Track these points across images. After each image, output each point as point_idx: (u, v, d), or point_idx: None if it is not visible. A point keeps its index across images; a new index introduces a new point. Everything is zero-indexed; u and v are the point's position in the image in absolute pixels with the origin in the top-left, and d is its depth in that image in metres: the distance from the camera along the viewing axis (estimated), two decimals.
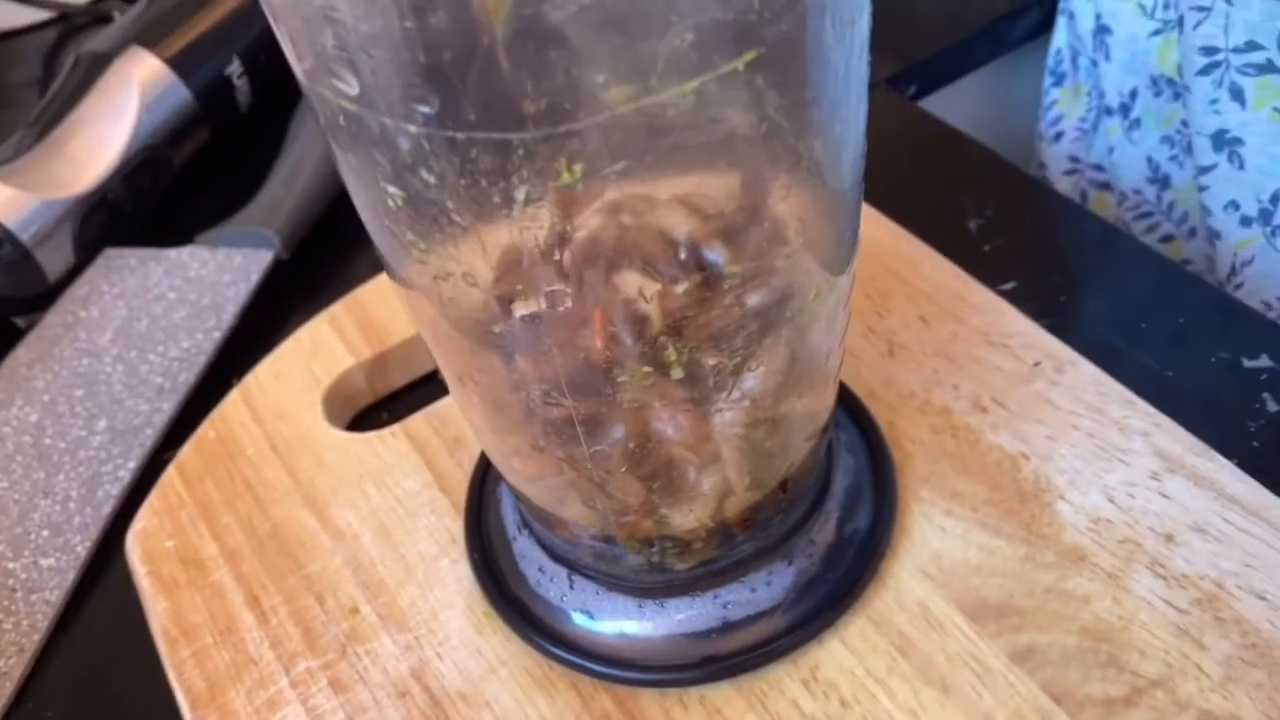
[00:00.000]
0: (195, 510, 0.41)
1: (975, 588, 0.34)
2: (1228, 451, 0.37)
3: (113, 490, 0.44)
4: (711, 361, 0.29)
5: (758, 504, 0.31)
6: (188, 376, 0.48)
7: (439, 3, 0.19)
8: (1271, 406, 0.40)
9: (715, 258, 0.28)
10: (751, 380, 0.30)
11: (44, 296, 0.52)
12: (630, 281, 0.28)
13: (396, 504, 0.39)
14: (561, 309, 0.27)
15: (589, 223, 0.26)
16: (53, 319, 0.51)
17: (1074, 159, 0.62)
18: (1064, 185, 0.62)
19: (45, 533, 0.43)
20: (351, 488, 0.40)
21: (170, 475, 0.42)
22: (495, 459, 0.33)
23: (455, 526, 0.38)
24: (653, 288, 0.28)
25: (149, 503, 0.41)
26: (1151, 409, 0.38)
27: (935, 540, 0.35)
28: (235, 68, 0.59)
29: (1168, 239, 0.59)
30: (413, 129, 0.21)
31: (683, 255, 0.28)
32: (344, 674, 0.35)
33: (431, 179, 0.22)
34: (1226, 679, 0.31)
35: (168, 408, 0.47)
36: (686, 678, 0.33)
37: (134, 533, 0.41)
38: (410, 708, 0.34)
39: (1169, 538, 0.34)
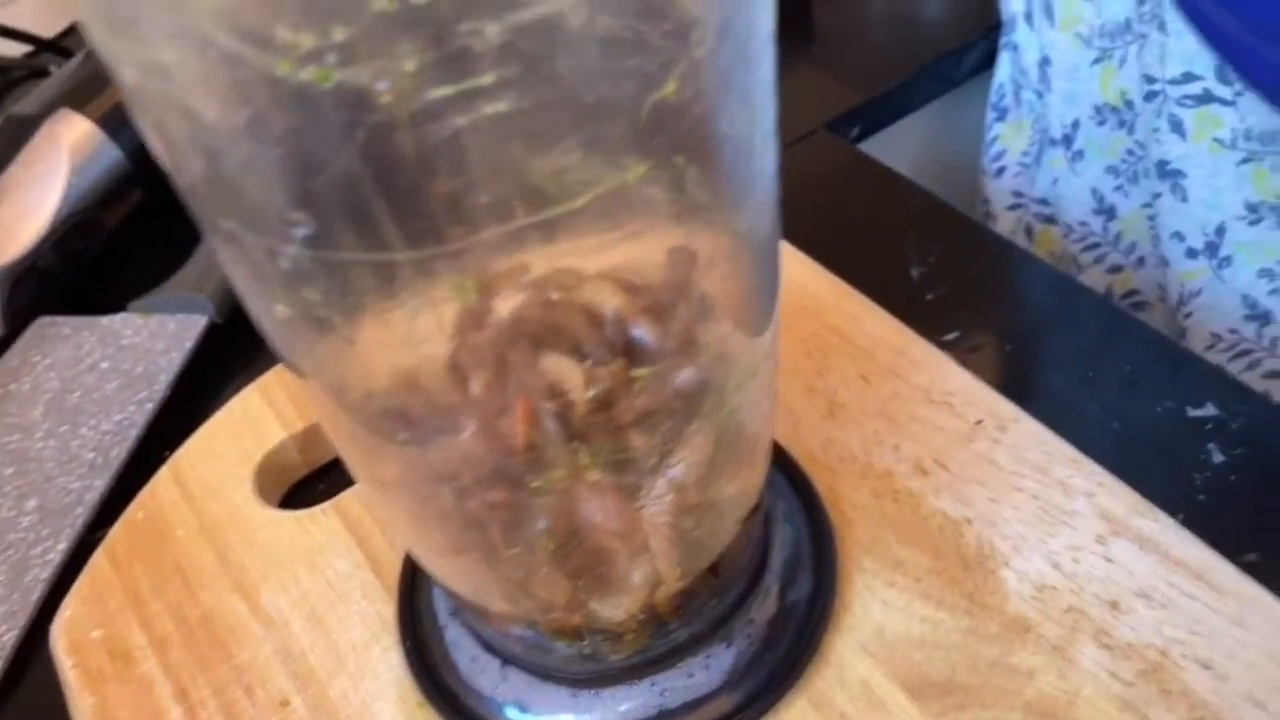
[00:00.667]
0: (124, 597, 0.39)
1: (918, 664, 0.33)
2: (1174, 506, 0.37)
3: (42, 574, 0.43)
4: (638, 446, 0.28)
5: (689, 590, 0.31)
6: (120, 451, 0.46)
7: (309, 130, 0.18)
8: (1217, 457, 0.39)
9: (643, 335, 0.28)
10: (679, 467, 0.29)
11: None
12: (555, 365, 0.27)
13: (328, 587, 0.38)
14: (466, 427, 0.26)
15: (511, 301, 0.26)
16: None
17: (1017, 194, 0.61)
18: (1008, 220, 0.62)
19: None
20: (283, 570, 0.39)
21: (98, 560, 0.41)
22: (415, 555, 0.32)
23: (387, 611, 0.37)
24: (577, 374, 0.27)
25: (76, 589, 0.40)
26: (1096, 467, 0.37)
27: (878, 614, 0.34)
28: None
29: (1116, 269, 0.59)
30: (291, 250, 0.20)
31: (609, 333, 0.27)
32: None
33: (317, 296, 0.21)
34: None
35: (100, 485, 0.45)
36: None
37: (60, 622, 0.39)
38: None
39: (1114, 605, 0.34)
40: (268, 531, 0.40)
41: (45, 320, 0.53)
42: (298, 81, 0.16)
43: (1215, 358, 0.53)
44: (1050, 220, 0.60)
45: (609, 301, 0.27)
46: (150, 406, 0.48)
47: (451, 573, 0.30)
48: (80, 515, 0.44)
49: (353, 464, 0.28)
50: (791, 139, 0.57)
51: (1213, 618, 0.33)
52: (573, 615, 0.29)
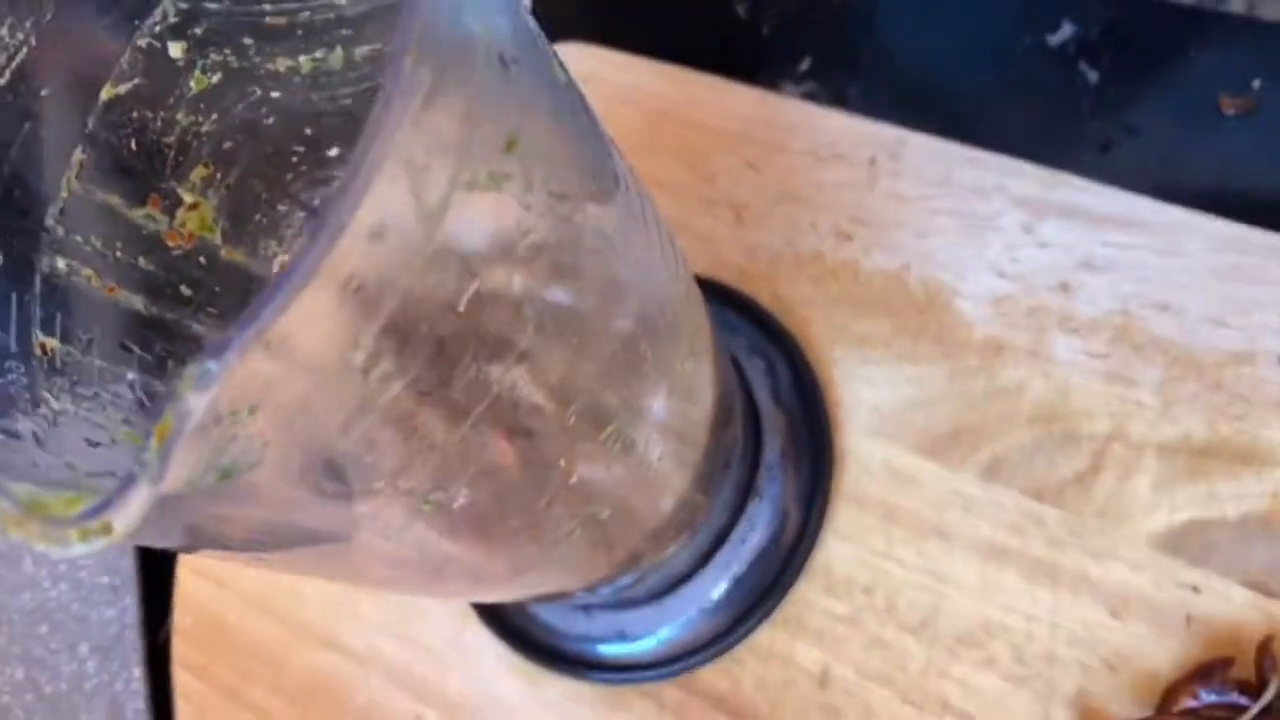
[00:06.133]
0: (223, 699, 0.41)
1: (923, 426, 0.35)
2: (1074, 147, 0.38)
3: (137, 705, 0.44)
4: (611, 405, 0.29)
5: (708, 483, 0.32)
6: (126, 561, 0.47)
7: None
8: (1091, 76, 0.40)
9: (563, 298, 0.28)
10: (656, 404, 0.30)
11: None
12: (503, 379, 0.27)
13: (395, 603, 0.40)
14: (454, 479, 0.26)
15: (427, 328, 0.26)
16: None
17: None
18: None
19: None
20: (345, 608, 0.40)
21: (182, 678, 0.42)
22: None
23: None
24: (527, 380, 0.27)
25: (180, 713, 0.42)
26: (993, 156, 0.38)
27: (868, 395, 0.36)
28: None
29: None
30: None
31: (531, 313, 0.27)
32: None
33: None
34: (1166, 404, 0.33)
35: (131, 601, 0.46)
36: (732, 640, 0.35)
37: None
38: None
39: (1064, 287, 0.35)
40: (311, 581, 0.41)
41: None
42: None
43: None
44: None
45: (514, 279, 0.27)
46: None
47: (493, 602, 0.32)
48: (134, 637, 0.46)
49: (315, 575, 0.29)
50: None
51: (1152, 258, 0.35)
52: (624, 570, 0.31)
